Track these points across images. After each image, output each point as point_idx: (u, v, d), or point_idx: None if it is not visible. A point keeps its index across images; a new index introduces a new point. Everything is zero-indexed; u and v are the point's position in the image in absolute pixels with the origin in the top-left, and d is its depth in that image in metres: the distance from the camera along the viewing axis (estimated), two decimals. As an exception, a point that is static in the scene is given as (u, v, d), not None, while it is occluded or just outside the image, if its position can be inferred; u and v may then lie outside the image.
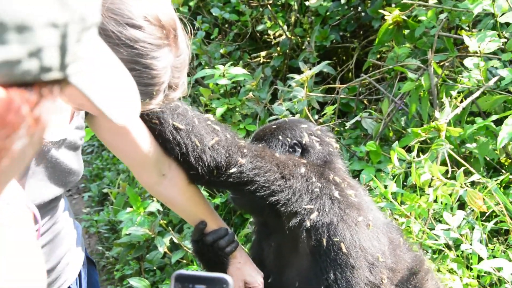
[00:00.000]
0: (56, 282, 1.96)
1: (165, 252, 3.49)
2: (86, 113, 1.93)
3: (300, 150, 2.22)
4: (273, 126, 2.28)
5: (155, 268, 3.92)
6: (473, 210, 2.66)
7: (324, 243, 2.08)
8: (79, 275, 2.09)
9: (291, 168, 2.08)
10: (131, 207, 3.50)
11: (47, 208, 1.87)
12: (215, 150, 2.01)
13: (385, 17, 3.46)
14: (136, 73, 1.53)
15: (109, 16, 1.50)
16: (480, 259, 2.48)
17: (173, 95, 1.66)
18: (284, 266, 2.25)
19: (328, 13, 4.54)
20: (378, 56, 3.94)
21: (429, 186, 2.71)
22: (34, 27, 0.62)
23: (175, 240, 3.47)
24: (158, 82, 1.58)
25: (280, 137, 2.22)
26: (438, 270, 2.58)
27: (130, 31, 1.51)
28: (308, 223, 2.06)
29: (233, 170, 2.01)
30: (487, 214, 2.67)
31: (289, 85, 3.74)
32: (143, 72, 1.54)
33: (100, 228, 4.85)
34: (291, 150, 2.20)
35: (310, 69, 3.68)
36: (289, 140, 2.22)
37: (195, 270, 1.72)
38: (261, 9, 4.56)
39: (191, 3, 4.70)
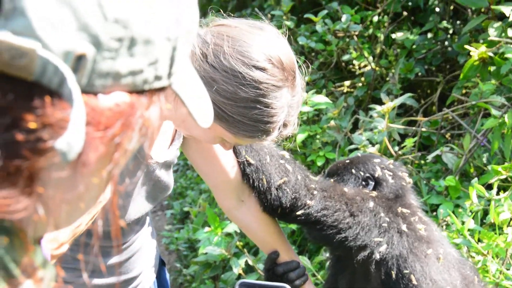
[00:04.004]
0: (137, 287, 2.10)
1: (239, 274, 3.49)
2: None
3: (373, 183, 2.21)
4: (347, 161, 2.30)
5: (229, 289, 3.94)
6: (553, 253, 2.55)
7: (394, 276, 2.07)
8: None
9: (359, 204, 2.08)
10: (210, 226, 3.53)
11: (139, 221, 2.03)
12: (282, 190, 2.04)
13: (471, 53, 3.39)
14: (258, 111, 1.61)
15: (237, 58, 1.58)
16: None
17: (285, 132, 1.73)
18: None
19: (414, 46, 4.49)
20: (463, 91, 3.86)
21: (508, 225, 2.63)
22: (156, 41, 0.69)
23: (250, 263, 3.47)
24: (276, 120, 1.65)
25: (353, 170, 2.23)
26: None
27: (255, 73, 1.59)
28: (378, 256, 2.06)
29: (299, 212, 2.04)
30: None
31: (371, 116, 3.70)
32: (263, 111, 1.62)
33: (179, 246, 4.90)
34: (364, 183, 2.21)
35: (392, 100, 3.64)
36: (362, 173, 2.23)
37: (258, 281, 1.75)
38: (347, 39, 4.55)
39: (280, 31, 4.74)
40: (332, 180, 2.22)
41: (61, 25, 0.62)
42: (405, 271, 2.07)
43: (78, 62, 0.64)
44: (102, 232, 1.80)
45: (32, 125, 0.63)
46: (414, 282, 2.07)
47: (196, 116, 0.85)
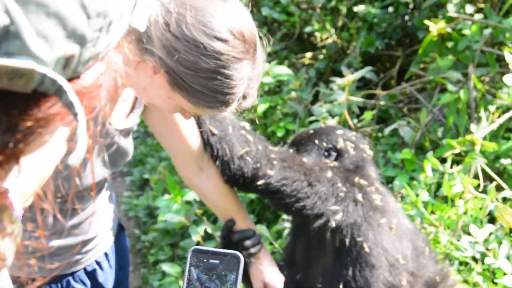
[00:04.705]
0: (94, 249, 2.13)
1: (198, 241, 3.53)
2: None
3: (335, 154, 2.25)
4: (310, 131, 2.32)
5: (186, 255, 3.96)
6: (502, 226, 2.63)
7: (347, 243, 2.13)
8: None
9: (317, 174, 2.12)
10: (170, 194, 3.55)
11: (98, 185, 2.05)
12: (244, 160, 2.07)
13: (430, 28, 3.44)
14: (218, 82, 1.62)
15: (199, 28, 1.58)
16: (506, 274, 2.46)
17: (244, 104, 1.73)
18: (311, 264, 2.30)
19: (375, 20, 4.53)
20: (421, 66, 3.92)
21: (460, 198, 2.70)
22: (125, 11, 0.74)
23: (209, 230, 3.51)
24: (236, 92, 1.66)
25: (316, 141, 2.26)
26: (464, 282, 2.57)
27: (217, 44, 1.58)
28: (333, 224, 2.11)
29: (260, 182, 2.08)
30: (516, 230, 2.64)
31: (331, 88, 3.74)
32: (224, 82, 1.62)
33: (138, 212, 4.91)
34: (326, 154, 2.25)
35: (352, 73, 3.68)
36: (325, 144, 2.26)
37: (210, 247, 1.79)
38: (310, 11, 4.57)
39: (243, 0, 4.73)
40: (291, 150, 2.25)
41: (51, 36, 0.65)
42: (358, 239, 2.13)
43: (66, 62, 0.67)
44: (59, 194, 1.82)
45: (28, 124, 0.66)
46: (366, 249, 2.13)
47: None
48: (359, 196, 2.14)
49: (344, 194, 2.12)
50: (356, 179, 2.18)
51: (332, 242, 2.17)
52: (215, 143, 2.07)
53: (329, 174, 2.13)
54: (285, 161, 2.12)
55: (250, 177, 2.08)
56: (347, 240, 2.13)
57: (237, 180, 2.10)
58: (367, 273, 2.14)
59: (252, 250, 2.17)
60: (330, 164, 2.20)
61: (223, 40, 1.59)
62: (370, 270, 2.14)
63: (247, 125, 2.14)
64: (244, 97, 1.70)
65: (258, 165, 2.07)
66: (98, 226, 2.11)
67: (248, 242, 2.16)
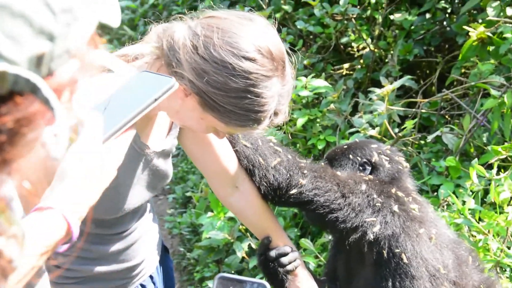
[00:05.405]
0: (140, 273, 2.13)
1: (243, 257, 3.52)
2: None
3: (370, 168, 2.28)
4: (344, 147, 2.35)
5: (233, 271, 3.96)
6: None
7: (385, 255, 2.13)
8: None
9: (352, 186, 2.14)
10: (212, 211, 3.56)
11: (140, 209, 2.06)
12: (277, 170, 2.10)
13: (470, 33, 3.39)
14: (249, 101, 1.64)
15: (227, 49, 1.61)
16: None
17: (276, 121, 1.76)
18: (352, 278, 2.31)
19: (412, 27, 4.49)
20: (462, 71, 3.87)
21: (509, 204, 2.66)
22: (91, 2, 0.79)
23: (253, 246, 3.50)
24: (267, 109, 1.69)
25: (351, 156, 2.29)
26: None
27: (245, 63, 1.62)
28: (371, 236, 2.12)
29: (293, 191, 2.10)
30: None
31: (371, 98, 3.72)
32: (254, 100, 1.65)
33: (182, 230, 4.93)
34: (361, 168, 2.28)
35: (391, 83, 3.65)
36: (359, 159, 2.29)
37: (238, 275, 1.80)
38: (345, 22, 4.55)
39: (278, 15, 4.73)
40: (324, 164, 2.28)
41: (19, 36, 0.66)
42: (396, 250, 2.12)
43: (39, 60, 0.69)
44: (101, 221, 1.84)
45: (9, 124, 0.67)
46: (405, 260, 2.12)
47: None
48: (396, 207, 2.14)
49: (380, 205, 2.13)
50: (393, 190, 2.19)
51: (370, 254, 2.17)
52: (250, 155, 2.10)
53: (364, 186, 2.14)
54: (316, 171, 2.14)
55: (284, 187, 2.11)
56: (384, 252, 2.13)
57: (273, 191, 2.12)
58: (407, 284, 2.13)
59: (289, 267, 2.17)
60: (365, 177, 2.21)
61: (251, 60, 1.62)
62: (410, 281, 2.13)
63: (273, 138, 2.19)
64: (276, 113, 1.73)
65: (291, 173, 2.10)
66: (144, 250, 2.11)
67: (285, 259, 2.16)
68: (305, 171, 2.11)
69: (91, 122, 1.20)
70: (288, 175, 2.10)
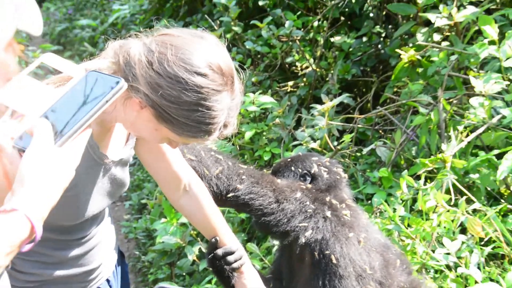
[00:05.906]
0: (97, 277, 2.12)
1: (194, 260, 3.53)
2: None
3: (309, 178, 2.34)
4: (288, 160, 2.42)
5: (184, 273, 3.97)
6: (473, 236, 2.67)
7: (317, 256, 2.19)
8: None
9: (287, 193, 2.20)
10: (166, 217, 3.57)
11: (99, 216, 2.04)
12: (219, 178, 2.15)
13: (402, 56, 3.50)
14: (200, 113, 1.64)
15: (180, 65, 1.61)
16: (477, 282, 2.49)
17: (225, 132, 1.76)
18: (294, 276, 2.36)
19: (350, 49, 4.59)
20: (394, 90, 3.97)
21: (434, 212, 2.73)
22: None
23: (203, 250, 3.51)
24: (217, 122, 1.68)
25: (292, 168, 2.35)
26: (440, 289, 2.59)
27: (197, 78, 1.61)
28: (303, 240, 2.17)
29: (230, 195, 2.16)
30: (485, 240, 2.67)
31: (312, 114, 3.78)
32: (205, 113, 1.65)
33: (138, 235, 4.91)
34: (302, 179, 2.31)
35: (331, 100, 3.73)
36: (300, 170, 2.36)
37: (177, 286, 1.79)
38: (290, 43, 4.62)
39: (228, 36, 4.78)
40: (260, 172, 2.32)
41: None
42: (326, 252, 2.18)
43: None
44: (62, 227, 1.81)
45: None
46: (334, 261, 2.18)
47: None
48: (329, 213, 2.20)
49: (313, 212, 2.18)
50: (327, 198, 2.25)
51: (307, 256, 2.22)
52: (196, 168, 2.15)
53: (299, 194, 2.20)
54: (254, 177, 2.18)
55: (225, 192, 2.16)
56: (316, 254, 2.18)
57: (216, 196, 2.17)
58: (336, 282, 2.19)
59: (235, 265, 2.17)
60: (303, 186, 2.27)
61: (203, 75, 1.62)
62: (339, 280, 2.19)
63: (214, 147, 2.23)
64: (225, 126, 1.73)
65: (231, 180, 2.15)
66: (102, 255, 2.10)
67: (231, 258, 2.16)
68: (243, 177, 2.16)
69: (40, 127, 1.19)
70: (228, 182, 2.15)
